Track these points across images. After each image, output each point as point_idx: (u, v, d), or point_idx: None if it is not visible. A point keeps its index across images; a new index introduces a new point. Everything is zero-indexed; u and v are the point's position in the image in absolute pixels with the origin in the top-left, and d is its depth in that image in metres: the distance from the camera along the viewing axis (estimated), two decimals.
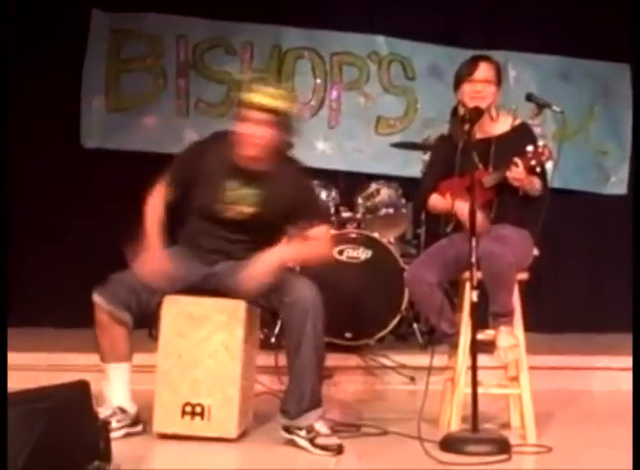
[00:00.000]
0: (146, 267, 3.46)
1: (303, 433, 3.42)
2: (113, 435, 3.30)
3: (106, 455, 2.89)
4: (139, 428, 3.56)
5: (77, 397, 2.87)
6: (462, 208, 3.61)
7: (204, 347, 3.52)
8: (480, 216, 3.55)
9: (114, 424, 3.43)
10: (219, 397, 3.50)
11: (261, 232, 3.61)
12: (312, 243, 3.60)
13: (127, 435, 3.49)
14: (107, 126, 6.07)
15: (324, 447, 3.39)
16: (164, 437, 3.48)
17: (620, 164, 6.58)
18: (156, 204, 3.63)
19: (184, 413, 3.49)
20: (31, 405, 2.64)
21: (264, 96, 3.45)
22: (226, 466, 3.37)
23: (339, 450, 3.39)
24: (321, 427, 3.45)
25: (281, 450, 3.43)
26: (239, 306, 3.54)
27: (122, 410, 3.51)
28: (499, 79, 3.85)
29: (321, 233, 3.63)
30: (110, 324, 3.48)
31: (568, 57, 6.51)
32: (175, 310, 3.53)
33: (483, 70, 3.79)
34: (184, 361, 3.51)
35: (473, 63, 3.81)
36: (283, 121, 3.49)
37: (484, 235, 3.56)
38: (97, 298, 3.48)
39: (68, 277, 5.83)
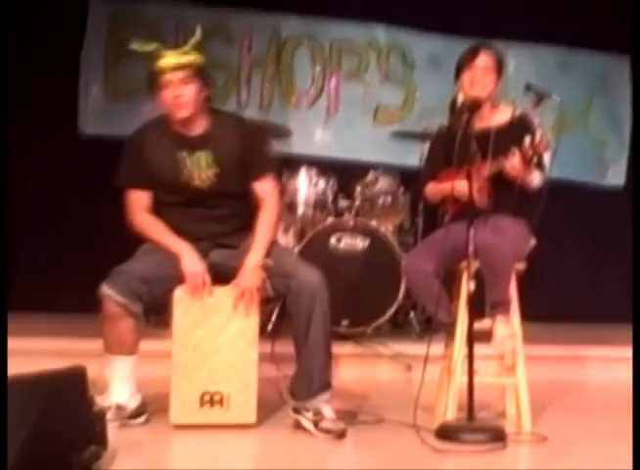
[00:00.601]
0: (187, 274, 3.49)
1: (310, 415, 3.45)
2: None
3: (102, 440, 2.89)
4: (141, 420, 3.53)
5: (73, 382, 2.87)
6: (462, 185, 3.59)
7: (220, 334, 3.51)
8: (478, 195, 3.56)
9: (108, 415, 3.36)
10: (238, 383, 3.50)
11: (233, 199, 3.63)
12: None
13: (123, 425, 3.45)
14: (105, 113, 6.06)
15: (327, 431, 3.41)
16: (181, 427, 3.47)
17: (619, 154, 6.60)
18: (146, 218, 3.62)
19: (203, 402, 3.49)
20: (27, 391, 2.64)
21: (173, 56, 3.52)
22: (244, 453, 3.41)
23: (341, 435, 3.41)
24: (328, 411, 3.47)
25: (290, 436, 3.46)
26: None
27: (119, 407, 3.48)
28: (500, 69, 3.84)
29: (267, 192, 3.64)
30: (120, 317, 3.43)
31: (567, 48, 6.52)
32: (188, 301, 3.51)
33: (484, 58, 3.78)
34: (200, 351, 3.50)
35: (473, 51, 3.81)
36: (199, 74, 3.54)
37: (482, 224, 3.56)
38: (108, 290, 3.41)
39: (67, 263, 5.83)
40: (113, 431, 3.09)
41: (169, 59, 3.51)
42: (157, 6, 6.16)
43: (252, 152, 3.64)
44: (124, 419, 3.48)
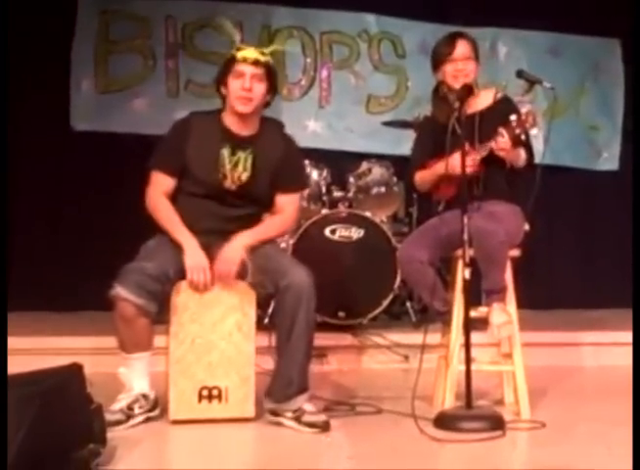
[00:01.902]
0: (191, 269, 3.47)
1: (289, 414, 3.44)
2: (134, 420, 3.43)
3: (100, 438, 2.89)
4: (157, 412, 3.54)
5: (71, 380, 2.86)
6: (454, 159, 3.58)
7: (217, 329, 3.51)
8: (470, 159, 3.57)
9: (136, 410, 3.44)
10: (236, 378, 3.51)
11: (254, 203, 3.65)
12: (273, 222, 3.66)
13: (147, 419, 3.48)
14: (96, 108, 6.04)
15: (310, 425, 3.40)
16: (180, 423, 3.47)
17: (612, 139, 6.59)
18: (163, 203, 3.60)
19: (201, 397, 3.49)
20: (24, 389, 2.63)
21: (255, 51, 3.58)
22: (244, 448, 3.40)
23: (325, 427, 3.40)
24: (308, 406, 3.46)
25: (288, 429, 3.44)
26: (250, 287, 3.55)
27: (145, 396, 3.49)
28: (477, 55, 3.85)
29: (288, 205, 3.68)
30: (135, 317, 3.39)
31: (558, 33, 6.52)
32: (184, 296, 3.50)
33: (462, 48, 3.79)
34: (198, 346, 3.50)
35: (449, 41, 3.81)
36: (270, 77, 3.61)
37: (476, 211, 3.56)
38: (122, 291, 3.36)
39: (60, 260, 5.82)
40: (117, 430, 3.10)
41: (251, 52, 3.57)
42: (146, 0, 6.14)
43: (291, 165, 3.69)
44: (148, 412, 3.48)
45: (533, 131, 3.67)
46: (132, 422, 3.42)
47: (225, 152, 3.58)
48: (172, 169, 3.60)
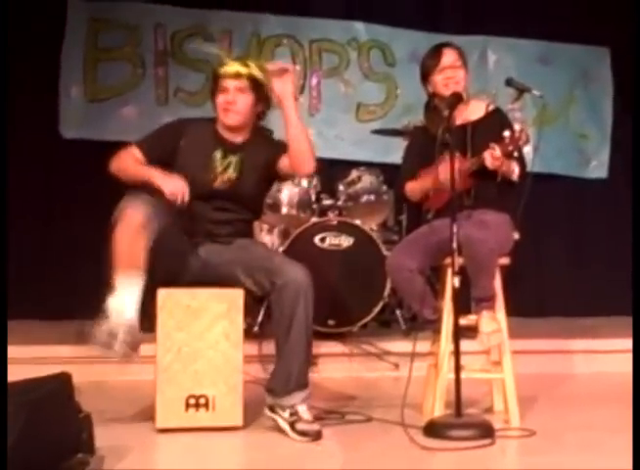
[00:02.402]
0: (170, 188, 3.48)
1: (286, 415, 3.44)
2: (113, 351, 3.29)
3: (89, 447, 2.88)
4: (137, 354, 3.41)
5: (59, 389, 2.85)
6: (444, 167, 3.58)
7: (204, 338, 3.51)
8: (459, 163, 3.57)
9: (119, 335, 3.27)
10: (223, 386, 3.50)
11: (242, 205, 3.71)
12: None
13: (125, 357, 3.35)
14: (86, 116, 6.05)
15: (303, 433, 3.40)
16: (167, 431, 3.46)
17: (601, 147, 6.62)
18: (129, 158, 3.65)
19: (188, 406, 3.48)
20: (13, 399, 2.61)
21: (239, 65, 3.68)
22: (231, 456, 3.39)
23: (316, 437, 3.40)
24: (304, 412, 3.46)
25: (277, 438, 3.43)
26: (238, 295, 3.55)
27: (132, 328, 3.31)
28: (465, 63, 3.86)
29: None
30: (139, 231, 3.30)
31: (547, 41, 6.54)
32: (171, 304, 3.50)
33: (449, 56, 3.80)
34: (184, 354, 3.49)
35: (436, 52, 3.82)
36: (259, 89, 3.69)
37: (465, 219, 3.56)
38: (131, 203, 3.35)
39: (49, 268, 5.81)
40: (99, 437, 3.08)
41: (231, 67, 3.68)
42: (135, 8, 6.16)
43: (276, 150, 3.74)
44: (129, 347, 3.33)
45: (526, 148, 3.69)
46: (112, 351, 3.29)
47: (217, 154, 3.69)
48: (150, 152, 3.66)
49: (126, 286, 3.36)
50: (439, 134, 3.56)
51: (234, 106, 3.65)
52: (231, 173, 3.69)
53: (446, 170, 3.55)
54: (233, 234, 3.67)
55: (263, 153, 3.74)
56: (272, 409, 3.50)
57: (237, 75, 3.65)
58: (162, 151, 3.68)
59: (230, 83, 3.66)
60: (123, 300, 3.34)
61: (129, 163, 3.64)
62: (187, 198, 3.51)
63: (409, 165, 3.96)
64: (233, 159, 3.70)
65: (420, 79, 3.89)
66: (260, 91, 3.70)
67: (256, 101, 3.70)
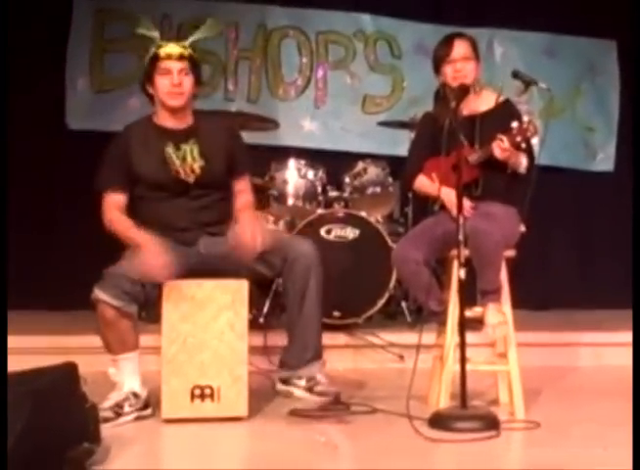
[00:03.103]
0: (147, 266, 3.42)
1: (302, 382, 3.47)
2: (124, 419, 3.45)
3: (95, 437, 2.89)
4: (149, 411, 3.56)
5: (65, 379, 2.86)
6: (448, 194, 3.61)
7: (209, 328, 3.52)
8: (466, 203, 3.56)
9: (126, 408, 3.46)
10: (228, 377, 3.51)
11: (216, 188, 3.70)
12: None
13: (138, 418, 3.50)
14: (92, 107, 6.04)
15: (322, 394, 3.47)
16: (172, 422, 3.47)
17: (607, 140, 6.59)
18: (116, 215, 3.64)
19: (193, 396, 3.49)
20: (19, 388, 2.63)
21: (176, 46, 3.62)
22: (237, 447, 3.40)
23: (336, 398, 3.43)
24: (321, 377, 3.49)
25: (282, 428, 3.45)
26: (242, 286, 3.55)
27: (135, 395, 3.51)
28: (477, 54, 3.85)
29: (244, 187, 3.77)
30: (117, 319, 3.42)
31: (554, 34, 6.51)
32: (176, 295, 3.51)
33: (460, 48, 3.78)
34: (190, 345, 3.50)
35: (447, 42, 3.80)
36: (195, 69, 3.66)
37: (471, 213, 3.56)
38: (102, 295, 3.39)
39: (53, 259, 5.82)
40: (105, 427, 3.09)
41: (173, 48, 3.60)
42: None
43: (237, 149, 3.77)
44: (139, 410, 3.50)
45: (534, 140, 3.68)
46: (122, 420, 3.43)
47: (169, 149, 3.63)
48: (121, 185, 3.64)
49: (124, 364, 3.51)
50: (446, 125, 3.56)
51: (180, 88, 3.59)
52: (191, 163, 3.63)
53: (450, 193, 3.58)
54: (220, 219, 3.67)
55: (221, 137, 3.71)
56: (286, 382, 3.52)
57: (180, 57, 3.59)
58: (124, 174, 3.63)
59: (174, 65, 3.59)
60: (123, 376, 3.51)
61: (119, 227, 3.61)
62: (164, 278, 3.46)
63: (416, 158, 3.95)
64: (186, 147, 3.64)
65: (432, 68, 3.87)
66: (198, 72, 3.68)
67: (196, 82, 3.67)
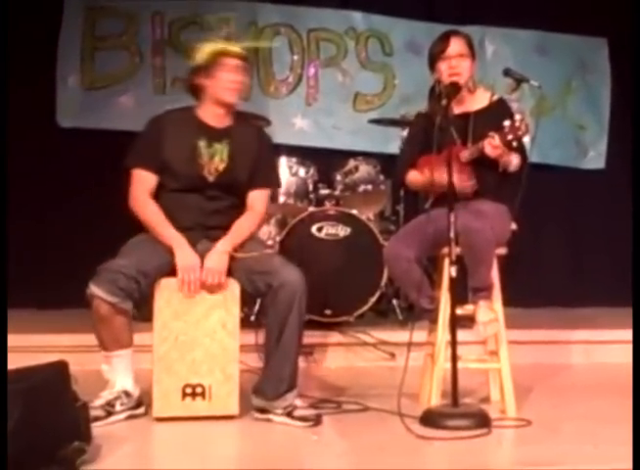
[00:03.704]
0: (184, 271, 3.47)
1: (280, 410, 3.44)
2: (115, 418, 3.43)
3: (85, 435, 2.88)
4: (142, 410, 3.54)
5: (56, 377, 2.85)
6: (442, 178, 3.59)
7: (201, 326, 3.50)
8: (459, 178, 3.56)
9: (117, 407, 3.45)
10: (219, 375, 3.50)
11: (233, 194, 3.68)
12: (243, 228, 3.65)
13: (130, 417, 3.49)
14: (83, 105, 6.03)
15: (303, 418, 3.42)
16: (164, 420, 3.46)
17: (599, 138, 6.61)
18: (149, 204, 3.61)
19: (184, 395, 3.48)
20: (10, 386, 2.62)
21: (236, 45, 3.69)
22: (228, 445, 3.39)
23: (317, 420, 3.41)
24: (297, 401, 3.47)
25: (273, 427, 3.45)
26: (234, 284, 3.54)
27: (127, 394, 3.50)
28: (473, 52, 3.85)
29: (258, 201, 3.72)
30: (111, 316, 3.40)
31: (545, 31, 6.53)
32: (169, 293, 3.50)
33: (455, 45, 3.78)
34: (181, 343, 3.49)
35: (443, 39, 3.81)
36: (249, 69, 3.77)
37: (463, 209, 3.56)
38: (97, 290, 3.37)
39: (45, 257, 5.80)
40: (95, 425, 3.09)
41: (232, 46, 3.67)
42: None
43: (266, 161, 3.78)
44: (131, 409, 3.49)
45: (526, 139, 3.68)
46: (113, 419, 3.42)
47: (201, 144, 3.65)
48: (153, 165, 3.63)
49: (117, 362, 3.50)
50: (437, 123, 3.56)
51: (234, 84, 3.64)
52: (218, 163, 3.65)
53: (442, 173, 3.55)
54: (225, 226, 3.62)
55: (252, 144, 3.72)
56: (263, 411, 3.49)
57: (242, 56, 3.67)
58: (157, 156, 3.62)
59: (237, 62, 3.65)
60: (115, 373, 3.50)
61: (150, 216, 3.58)
62: (198, 277, 3.48)
63: (408, 154, 3.96)
64: (218, 146, 3.66)
65: (427, 65, 3.87)
66: (250, 71, 3.79)
67: (247, 80, 3.75)
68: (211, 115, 3.68)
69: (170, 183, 3.63)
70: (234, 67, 3.64)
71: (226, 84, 3.63)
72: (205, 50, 3.67)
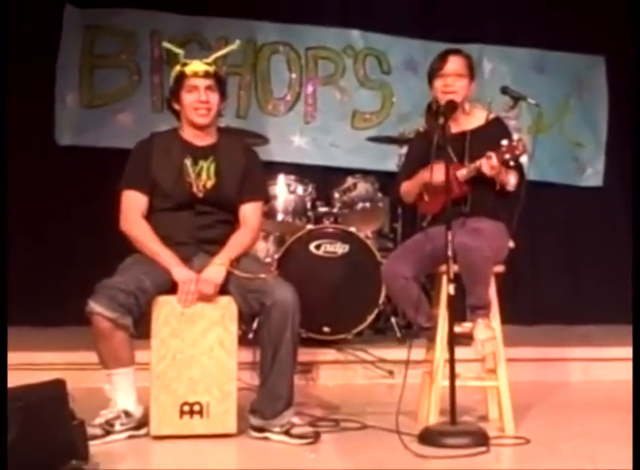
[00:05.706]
0: (182, 291, 3.49)
1: (277, 429, 3.43)
2: (114, 437, 3.41)
3: (82, 454, 2.88)
4: (144, 431, 3.51)
5: (53, 395, 2.85)
6: (438, 169, 3.58)
7: (198, 344, 3.50)
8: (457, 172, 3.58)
9: (117, 427, 3.43)
10: (217, 393, 3.49)
11: (223, 209, 3.68)
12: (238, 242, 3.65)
13: (131, 437, 3.47)
14: (81, 123, 6.04)
15: (301, 436, 3.40)
16: (161, 438, 3.45)
17: (596, 155, 6.62)
18: (141, 224, 3.62)
19: (182, 413, 3.47)
20: (7, 405, 2.61)
21: (201, 63, 3.65)
22: (226, 463, 3.37)
23: (315, 438, 3.41)
24: (295, 419, 3.46)
25: (271, 445, 3.43)
26: (231, 302, 3.55)
27: (127, 413, 3.48)
28: (472, 73, 3.86)
29: (251, 215, 3.72)
30: (112, 332, 3.39)
31: (542, 49, 6.55)
32: (166, 311, 3.50)
33: (453, 64, 3.80)
34: (179, 361, 3.49)
35: (442, 57, 3.82)
36: (221, 86, 3.70)
37: (460, 227, 3.57)
38: (96, 307, 3.35)
39: (44, 275, 5.80)
40: (93, 443, 3.08)
41: (199, 65, 3.64)
42: (131, 15, 6.16)
43: (255, 175, 3.77)
44: (132, 430, 3.48)
45: (523, 158, 3.69)
46: (111, 438, 3.40)
47: (187, 162, 3.66)
48: (144, 186, 3.64)
49: (118, 380, 3.49)
50: (435, 141, 3.57)
51: (207, 105, 3.63)
52: (205, 180, 3.65)
53: (440, 169, 3.55)
54: (219, 240, 3.63)
55: (239, 159, 3.73)
56: (261, 430, 3.48)
57: (206, 74, 3.62)
58: (147, 177, 3.64)
59: (200, 82, 3.62)
60: (116, 392, 3.49)
61: (141, 237, 3.59)
62: (194, 290, 3.49)
63: (405, 171, 3.97)
64: (204, 164, 3.66)
65: (427, 82, 3.88)
66: (223, 89, 3.72)
67: (221, 99, 3.70)
68: (192, 135, 3.70)
69: (161, 203, 3.65)
70: (194, 87, 3.62)
71: (191, 106, 3.63)
72: (171, 73, 3.69)
